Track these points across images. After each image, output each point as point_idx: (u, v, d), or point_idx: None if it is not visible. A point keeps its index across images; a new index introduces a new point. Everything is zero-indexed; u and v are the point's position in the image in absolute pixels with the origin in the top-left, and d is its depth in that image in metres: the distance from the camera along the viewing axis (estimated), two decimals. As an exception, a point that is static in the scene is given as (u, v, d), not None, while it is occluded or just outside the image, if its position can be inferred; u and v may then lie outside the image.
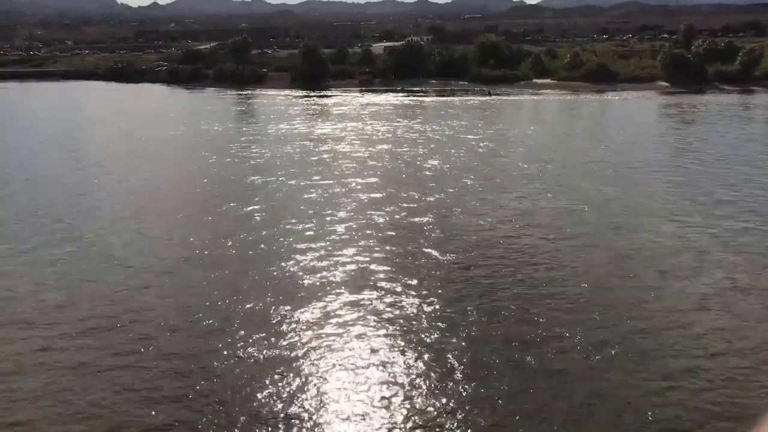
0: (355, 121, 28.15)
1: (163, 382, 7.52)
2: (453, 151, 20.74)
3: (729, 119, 28.52)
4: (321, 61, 53.46)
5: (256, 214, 13.77)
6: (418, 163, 19.00)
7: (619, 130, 25.21)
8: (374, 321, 8.91)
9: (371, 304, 9.40)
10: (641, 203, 14.44)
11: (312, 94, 43.73)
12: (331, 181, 16.48)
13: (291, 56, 59.34)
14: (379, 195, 15.17)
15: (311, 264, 10.87)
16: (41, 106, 40.25)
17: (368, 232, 12.47)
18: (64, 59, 73.87)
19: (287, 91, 45.57)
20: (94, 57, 74.15)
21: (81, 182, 17.27)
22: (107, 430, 6.72)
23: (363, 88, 50.27)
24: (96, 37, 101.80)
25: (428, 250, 11.43)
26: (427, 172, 17.66)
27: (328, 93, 43.77)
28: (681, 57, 47.85)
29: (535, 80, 53.45)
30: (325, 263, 10.89)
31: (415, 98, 40.78)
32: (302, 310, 9.20)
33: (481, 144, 22.39)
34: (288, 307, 9.26)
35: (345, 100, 39.88)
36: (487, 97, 44.03)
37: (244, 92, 45.72)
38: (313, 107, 36.60)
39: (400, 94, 42.71)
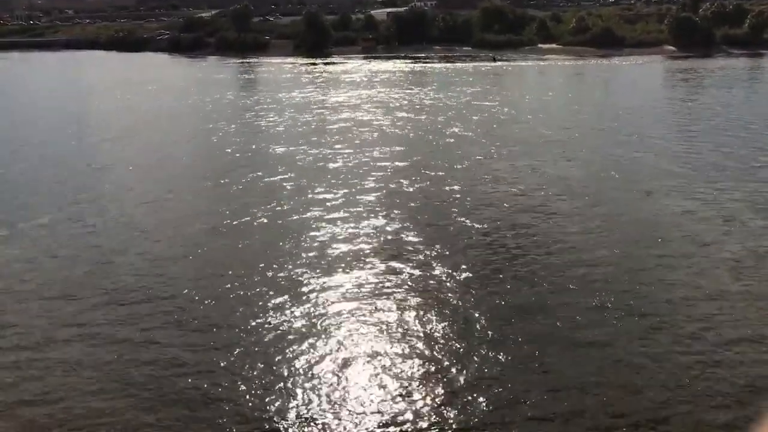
0: (368, 89, 27.54)
1: (193, 353, 7.24)
2: (472, 117, 20.27)
3: (742, 83, 27.99)
4: (323, 28, 52.31)
5: (281, 184, 13.36)
6: (440, 130, 18.52)
7: (632, 96, 24.70)
8: (403, 290, 8.55)
9: (400, 272, 9.04)
10: (668, 168, 14.05)
11: (318, 61, 42.76)
12: (355, 150, 16.01)
13: (293, 23, 57.97)
14: (403, 163, 14.71)
15: (339, 233, 10.51)
16: (45, 78, 39.43)
17: (395, 200, 12.09)
18: (64, 29, 72.20)
19: (291, 59, 44.61)
20: (94, 26, 72.47)
21: (97, 156, 16.79)
22: (143, 402, 6.46)
23: (367, 55, 49.34)
24: (97, 5, 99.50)
25: (458, 218, 11.07)
26: (450, 139, 17.22)
27: (333, 60, 42.88)
28: (688, 21, 46.68)
29: (540, 45, 52.40)
30: (353, 232, 10.54)
31: (422, 65, 39.99)
32: (331, 279, 8.85)
33: (498, 110, 21.89)
34: (317, 277, 8.90)
35: (353, 67, 39.07)
36: (493, 63, 43.18)
37: (247, 60, 44.82)
38: (323, 75, 35.78)
39: (406, 61, 41.87)
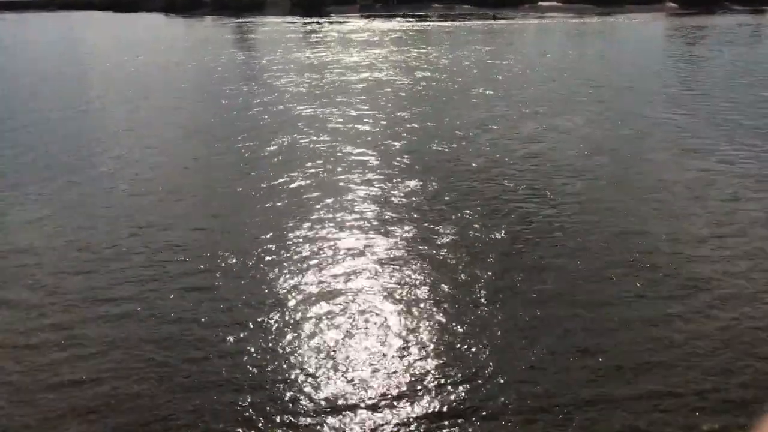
0: (379, 48, 26.89)
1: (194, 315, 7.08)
2: (492, 76, 19.84)
3: (750, 40, 27.68)
4: (321, -14, 51.04)
5: (315, 146, 12.93)
6: (463, 90, 18.06)
7: (642, 54, 24.39)
8: (420, 247, 8.39)
9: (426, 231, 8.79)
10: (700, 128, 13.90)
11: (320, 20, 41.77)
12: (381, 111, 15.51)
13: (290, -18, 56.63)
14: (431, 124, 14.22)
15: (374, 194, 10.25)
16: (47, 39, 38.10)
17: (427, 162, 11.74)
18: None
19: (289, 18, 43.51)
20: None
21: (114, 121, 16.31)
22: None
23: (365, 14, 48.20)
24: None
25: (491, 182, 10.89)
26: (475, 99, 16.80)
27: (334, 20, 41.87)
28: (690, -23, 45.99)
29: (540, 2, 51.53)
30: (387, 193, 10.26)
31: (425, 23, 39.18)
32: (364, 237, 8.69)
33: (514, 69, 21.52)
34: (329, 238, 8.72)
35: (357, 26, 38.12)
36: (493, 21, 42.38)
37: (245, 20, 43.64)
38: (329, 34, 34.85)
39: (408, 19, 40.96)
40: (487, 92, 17.72)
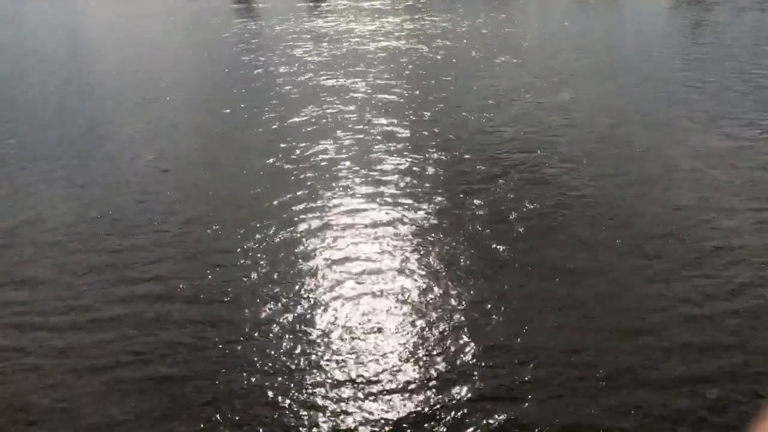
0: (392, 16, 26.56)
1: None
2: (512, 45, 19.72)
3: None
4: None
5: (344, 116, 12.95)
6: (486, 58, 17.98)
7: (663, 20, 24.12)
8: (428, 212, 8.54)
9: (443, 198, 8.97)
10: (730, 94, 13.85)
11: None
12: (406, 81, 15.51)
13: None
14: (461, 92, 14.23)
15: (396, 166, 10.35)
16: (51, 15, 37.65)
17: (458, 134, 11.86)
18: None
19: (295, -13, 42.84)
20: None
21: (140, 91, 16.28)
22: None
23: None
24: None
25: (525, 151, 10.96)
26: (498, 68, 16.65)
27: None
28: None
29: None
30: (417, 165, 10.38)
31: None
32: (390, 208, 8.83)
33: (532, 38, 21.36)
34: (360, 210, 8.81)
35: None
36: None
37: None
38: (339, 3, 34.36)
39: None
40: (510, 61, 17.62)
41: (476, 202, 9.02)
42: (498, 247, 7.81)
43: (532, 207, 8.82)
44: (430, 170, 10.16)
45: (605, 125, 12.03)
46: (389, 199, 9.18)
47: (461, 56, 18.36)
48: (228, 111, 13.79)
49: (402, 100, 14.00)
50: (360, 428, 5.21)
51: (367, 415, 5.35)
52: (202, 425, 5.30)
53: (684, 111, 12.65)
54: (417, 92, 14.58)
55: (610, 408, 5.32)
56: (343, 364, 5.98)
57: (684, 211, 8.64)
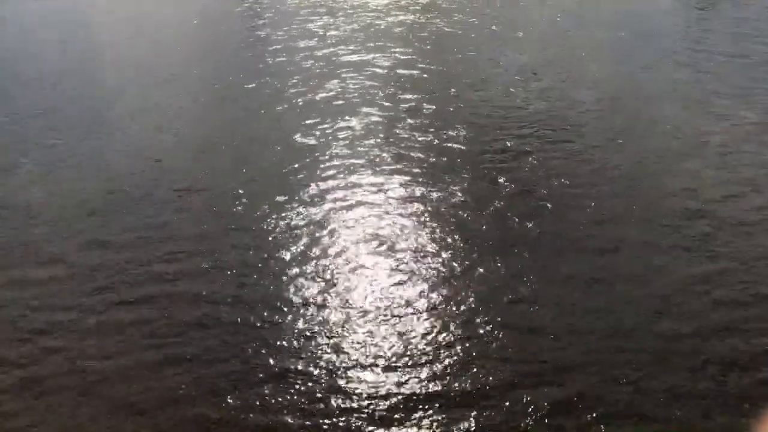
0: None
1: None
2: (532, 21, 19.66)
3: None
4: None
5: (371, 91, 13.13)
6: (508, 33, 17.98)
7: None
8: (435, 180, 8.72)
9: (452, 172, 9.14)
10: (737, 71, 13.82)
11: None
12: (428, 56, 15.58)
13: None
14: (485, 67, 14.32)
15: (423, 142, 10.51)
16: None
17: (486, 110, 11.91)
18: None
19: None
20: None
21: (161, 66, 16.37)
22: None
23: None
24: None
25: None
26: (522, 43, 16.76)
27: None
28: None
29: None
30: (440, 143, 10.51)
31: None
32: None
33: (549, 12, 21.24)
34: (383, 185, 9.01)
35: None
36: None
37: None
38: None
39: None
40: (531, 35, 17.56)
41: (502, 178, 9.18)
42: (526, 223, 8.00)
43: (557, 183, 8.98)
44: (456, 146, 10.31)
45: (632, 101, 12.10)
46: (415, 176, 9.35)
47: (481, 30, 18.29)
48: (252, 86, 13.89)
49: (426, 75, 14.06)
50: (388, 412, 5.39)
51: (392, 397, 5.54)
52: (226, 408, 5.46)
53: (713, 86, 12.67)
54: (441, 67, 14.62)
55: (644, 390, 5.56)
56: (368, 344, 6.18)
57: (715, 188, 8.78)
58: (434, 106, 12.12)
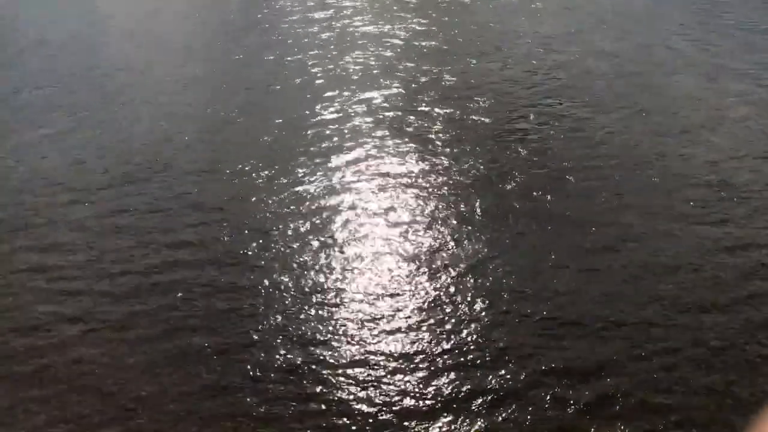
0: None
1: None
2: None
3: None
4: None
5: (386, 63, 13.13)
6: (532, 3, 17.90)
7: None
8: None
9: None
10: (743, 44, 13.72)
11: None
12: (446, 26, 15.60)
13: None
14: (505, 38, 14.36)
15: (442, 114, 10.60)
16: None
17: (508, 86, 11.97)
18: None
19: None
20: None
21: (184, 37, 16.44)
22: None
23: None
24: None
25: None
26: (540, 14, 16.61)
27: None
28: None
29: None
30: (460, 116, 10.60)
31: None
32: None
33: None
34: (403, 152, 9.13)
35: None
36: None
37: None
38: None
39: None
40: (551, 6, 17.43)
41: (524, 151, 9.30)
42: (549, 197, 8.14)
43: (579, 156, 9.09)
44: (477, 118, 10.39)
45: (652, 74, 12.09)
46: (437, 148, 9.49)
47: (498, 1, 18.18)
48: (271, 58, 13.99)
49: (446, 47, 14.08)
50: (400, 399, 5.46)
51: (398, 381, 5.62)
52: (243, 398, 5.49)
53: (731, 61, 12.62)
54: (460, 38, 14.62)
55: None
56: (381, 323, 6.29)
57: (736, 160, 8.87)
58: (455, 78, 12.19)
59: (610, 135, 9.74)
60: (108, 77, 13.45)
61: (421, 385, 5.51)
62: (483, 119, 10.45)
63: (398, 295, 6.58)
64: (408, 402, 5.37)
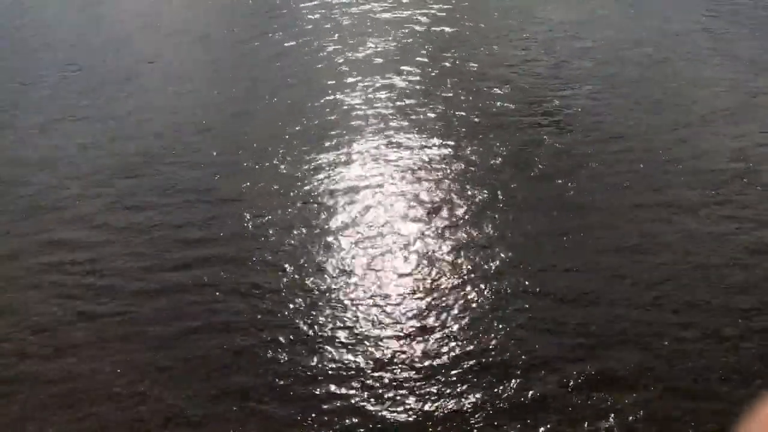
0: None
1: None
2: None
3: None
4: None
5: (405, 49, 13.14)
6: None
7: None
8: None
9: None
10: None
11: None
12: (473, 12, 15.51)
13: None
14: (536, 24, 14.28)
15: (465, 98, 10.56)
16: None
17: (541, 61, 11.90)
18: None
19: None
20: None
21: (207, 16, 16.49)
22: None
23: None
24: None
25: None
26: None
27: None
28: None
29: None
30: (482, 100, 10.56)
31: None
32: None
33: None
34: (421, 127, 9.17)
35: None
36: None
37: None
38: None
39: None
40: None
41: (546, 138, 9.24)
42: (573, 185, 8.11)
43: (602, 144, 9.02)
44: (499, 104, 10.34)
45: (678, 61, 11.90)
46: (459, 135, 9.47)
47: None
48: (292, 44, 13.98)
49: (468, 33, 13.96)
50: (428, 404, 5.49)
51: (424, 385, 5.64)
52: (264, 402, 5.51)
53: (763, 51, 12.37)
54: (481, 24, 14.47)
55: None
56: (397, 310, 6.41)
57: (763, 147, 8.73)
58: (476, 65, 12.10)
59: (636, 122, 9.62)
60: (124, 65, 13.53)
61: (447, 390, 5.50)
62: (506, 105, 10.38)
63: (425, 294, 6.61)
64: (434, 407, 5.35)
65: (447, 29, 14.31)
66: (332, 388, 5.51)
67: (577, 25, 14.06)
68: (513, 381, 5.42)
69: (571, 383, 5.32)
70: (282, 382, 5.59)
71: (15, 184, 9.03)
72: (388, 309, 6.39)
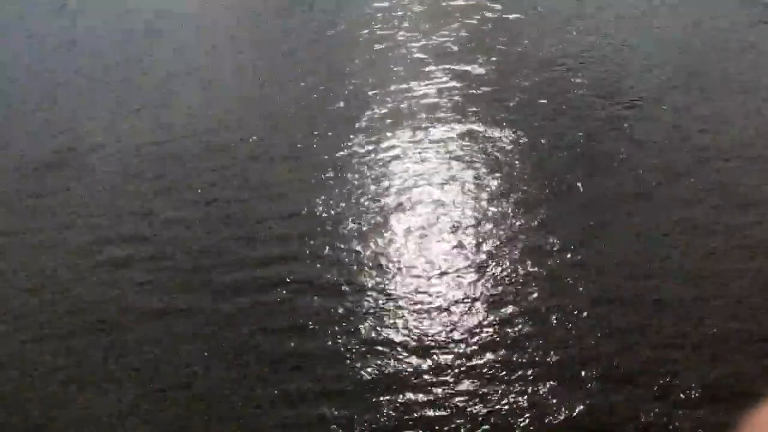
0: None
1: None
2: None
3: None
4: None
5: (434, 44, 13.19)
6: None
7: None
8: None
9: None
10: None
11: None
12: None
13: None
14: (574, 6, 14.08)
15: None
16: None
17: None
18: None
19: None
20: None
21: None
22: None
23: None
24: None
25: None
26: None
27: None
28: None
29: None
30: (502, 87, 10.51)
31: None
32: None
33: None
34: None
35: None
36: None
37: None
38: None
39: None
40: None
41: (575, 132, 9.25)
42: (597, 176, 8.20)
43: (628, 136, 9.00)
44: (577, 92, 10.34)
45: (722, 59, 11.54)
46: (493, 121, 9.64)
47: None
48: (364, 32, 14.18)
49: (538, 19, 13.88)
50: (454, 363, 5.80)
51: (453, 349, 5.94)
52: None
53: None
54: (554, 9, 14.34)
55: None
56: (426, 297, 6.62)
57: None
58: (549, 51, 12.04)
59: (659, 116, 9.54)
60: (160, 60, 13.88)
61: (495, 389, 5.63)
62: (581, 92, 10.42)
63: (471, 295, 6.69)
64: (481, 409, 5.45)
65: (520, 16, 14.25)
66: (384, 394, 5.61)
67: (615, 17, 13.70)
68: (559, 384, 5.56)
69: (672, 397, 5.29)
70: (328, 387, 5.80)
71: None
72: (443, 316, 6.45)
